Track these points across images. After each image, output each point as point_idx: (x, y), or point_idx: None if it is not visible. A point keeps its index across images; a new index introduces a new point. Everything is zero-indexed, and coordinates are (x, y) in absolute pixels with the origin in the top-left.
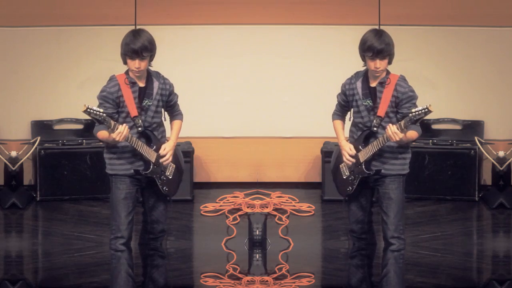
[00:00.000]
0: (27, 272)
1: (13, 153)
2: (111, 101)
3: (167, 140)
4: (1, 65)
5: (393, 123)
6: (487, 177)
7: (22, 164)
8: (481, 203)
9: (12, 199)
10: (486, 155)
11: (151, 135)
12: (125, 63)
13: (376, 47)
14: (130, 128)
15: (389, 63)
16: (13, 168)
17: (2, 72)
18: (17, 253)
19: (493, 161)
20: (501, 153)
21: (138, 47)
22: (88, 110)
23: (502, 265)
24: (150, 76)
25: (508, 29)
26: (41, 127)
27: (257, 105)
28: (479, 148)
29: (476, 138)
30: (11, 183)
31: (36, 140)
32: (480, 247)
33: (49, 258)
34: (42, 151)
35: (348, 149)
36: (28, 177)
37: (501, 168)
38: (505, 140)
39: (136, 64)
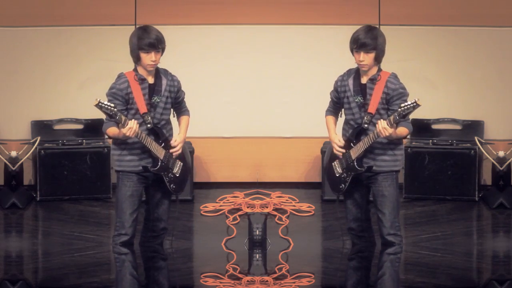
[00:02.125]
0: (27, 272)
1: (13, 153)
2: (121, 97)
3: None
4: (1, 65)
5: (384, 120)
6: (487, 177)
7: (22, 164)
8: (481, 203)
9: (12, 199)
10: (486, 155)
11: (160, 132)
12: (137, 60)
13: (360, 39)
14: (139, 125)
15: (376, 59)
16: (13, 168)
17: (2, 72)
18: (17, 253)
19: (493, 161)
20: (501, 153)
21: (154, 39)
22: (100, 104)
23: (502, 265)
24: (158, 73)
25: (508, 29)
26: (41, 127)
27: (257, 105)
28: (479, 148)
29: (476, 138)
30: (11, 183)
31: (36, 140)
32: (480, 247)
33: (49, 258)
34: (42, 151)
35: (337, 141)
36: (28, 177)
37: (501, 168)
38: (505, 140)
39: (152, 57)
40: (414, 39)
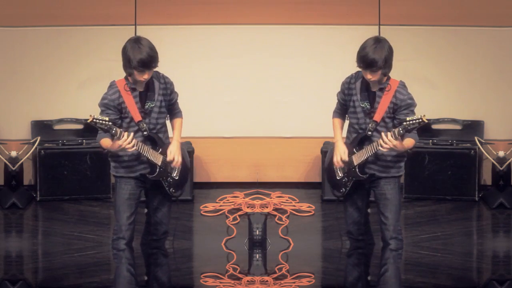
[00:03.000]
0: (27, 272)
1: (13, 153)
2: (113, 108)
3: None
4: (1, 65)
5: (388, 129)
6: (487, 177)
7: (22, 164)
8: (481, 203)
9: (12, 199)
10: (486, 155)
11: (156, 138)
12: (130, 74)
13: (368, 58)
14: (135, 132)
15: (384, 74)
16: (13, 168)
17: (2, 72)
18: (17, 253)
19: (493, 161)
20: (501, 153)
21: (147, 58)
22: (94, 121)
23: (502, 265)
24: (150, 77)
25: (508, 29)
26: (41, 127)
27: (257, 105)
28: (479, 148)
29: (476, 138)
30: (11, 183)
31: (36, 140)
32: (480, 247)
33: (49, 258)
34: (42, 151)
35: (342, 153)
36: (28, 177)
37: (501, 168)
38: (505, 140)
39: (145, 76)
40: (414, 39)
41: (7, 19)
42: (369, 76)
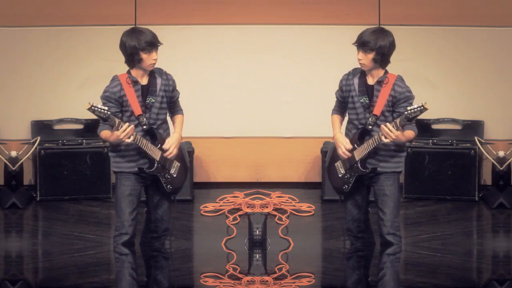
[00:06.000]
0: (27, 272)
1: (13, 153)
2: (114, 101)
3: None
4: (1, 65)
5: (388, 122)
6: (487, 177)
7: (22, 164)
8: (481, 203)
9: (12, 199)
10: (486, 155)
11: (156, 133)
12: (138, 62)
13: (362, 37)
14: (135, 126)
15: (376, 61)
16: (13, 168)
17: (2, 72)
18: (17, 253)
19: (493, 161)
20: (501, 153)
21: (151, 37)
22: (93, 108)
23: (502, 265)
24: (152, 72)
25: (508, 29)
26: (41, 127)
27: (257, 105)
28: (479, 148)
29: (476, 138)
30: (11, 183)
31: (36, 140)
32: (480, 247)
33: (49, 258)
34: (42, 151)
35: (344, 143)
36: (28, 177)
37: (501, 168)
38: (505, 140)
39: (154, 56)
40: (414, 39)
41: (7, 19)
42: (359, 57)
